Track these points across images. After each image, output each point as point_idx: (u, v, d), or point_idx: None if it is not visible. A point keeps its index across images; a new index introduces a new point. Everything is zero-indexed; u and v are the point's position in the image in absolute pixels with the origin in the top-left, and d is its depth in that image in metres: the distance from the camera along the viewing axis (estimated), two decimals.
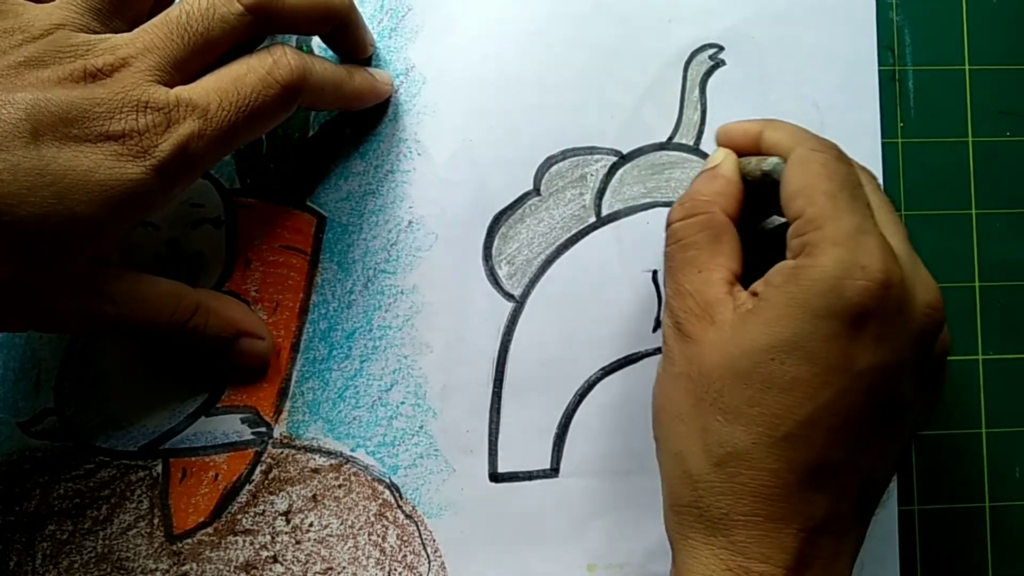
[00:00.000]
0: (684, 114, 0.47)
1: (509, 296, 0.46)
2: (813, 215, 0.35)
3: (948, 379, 0.47)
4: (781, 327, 0.34)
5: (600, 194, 0.46)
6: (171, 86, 0.36)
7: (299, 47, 0.45)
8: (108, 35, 0.37)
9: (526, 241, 0.46)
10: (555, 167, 0.46)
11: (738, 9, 0.47)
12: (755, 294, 0.36)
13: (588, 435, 0.45)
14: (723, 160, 0.41)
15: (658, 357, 0.45)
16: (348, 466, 0.44)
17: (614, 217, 0.46)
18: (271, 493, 0.44)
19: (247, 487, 0.44)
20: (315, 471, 0.44)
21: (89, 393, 0.44)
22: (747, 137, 0.41)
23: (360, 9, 0.45)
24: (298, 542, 0.44)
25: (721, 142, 0.43)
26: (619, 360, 0.46)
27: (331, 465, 0.44)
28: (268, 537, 0.44)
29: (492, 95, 0.46)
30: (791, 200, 0.36)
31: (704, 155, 0.46)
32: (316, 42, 0.45)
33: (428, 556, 0.44)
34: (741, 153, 0.41)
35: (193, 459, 0.44)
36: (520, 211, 0.46)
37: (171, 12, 0.37)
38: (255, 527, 0.44)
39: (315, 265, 0.45)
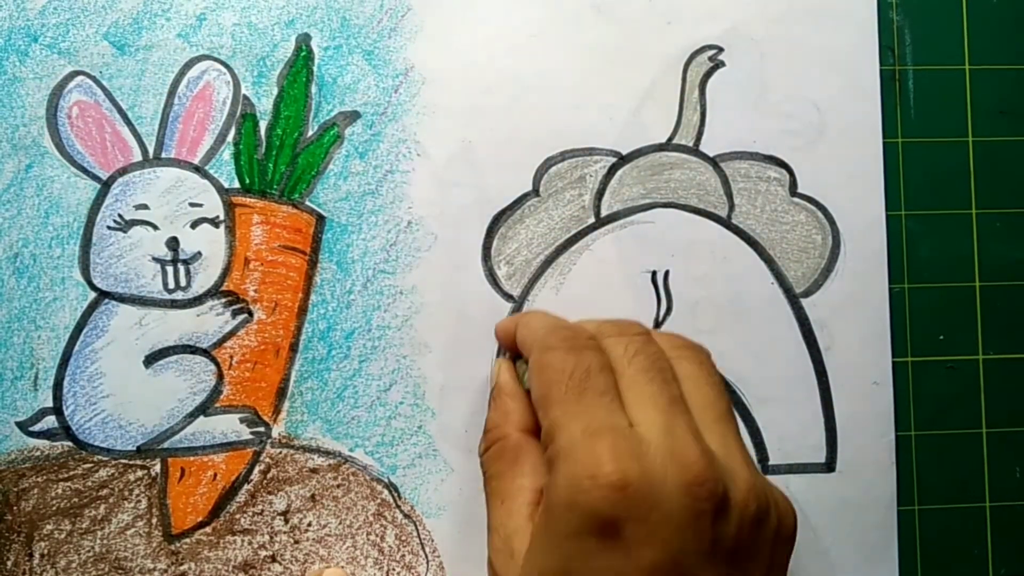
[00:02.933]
0: (683, 115, 0.47)
1: (508, 296, 0.46)
2: (547, 426, 0.34)
3: (948, 379, 0.47)
4: (546, 556, 0.32)
5: (599, 195, 0.46)
6: None
7: (298, 47, 0.45)
8: None
9: (525, 242, 0.46)
10: (554, 168, 0.46)
11: (738, 10, 0.47)
12: None
13: None
14: (499, 375, 0.41)
15: None
16: (347, 466, 0.44)
17: (613, 218, 0.46)
18: (270, 493, 0.44)
19: (246, 487, 0.44)
20: (314, 471, 0.44)
21: (87, 392, 0.44)
22: (508, 338, 0.41)
23: (360, 9, 0.45)
24: (296, 542, 0.44)
25: (499, 342, 0.43)
26: None
27: (330, 465, 0.44)
28: (267, 537, 0.44)
29: (491, 96, 0.46)
30: (536, 410, 0.36)
31: (704, 156, 0.46)
32: (316, 42, 0.45)
33: (426, 556, 0.44)
34: (518, 356, 0.41)
35: (192, 459, 0.44)
36: (519, 212, 0.46)
37: None
38: (253, 527, 0.44)
39: (314, 265, 0.45)
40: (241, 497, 0.44)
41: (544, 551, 0.32)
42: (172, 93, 0.45)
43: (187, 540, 0.43)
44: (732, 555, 0.32)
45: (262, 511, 0.44)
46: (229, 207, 0.45)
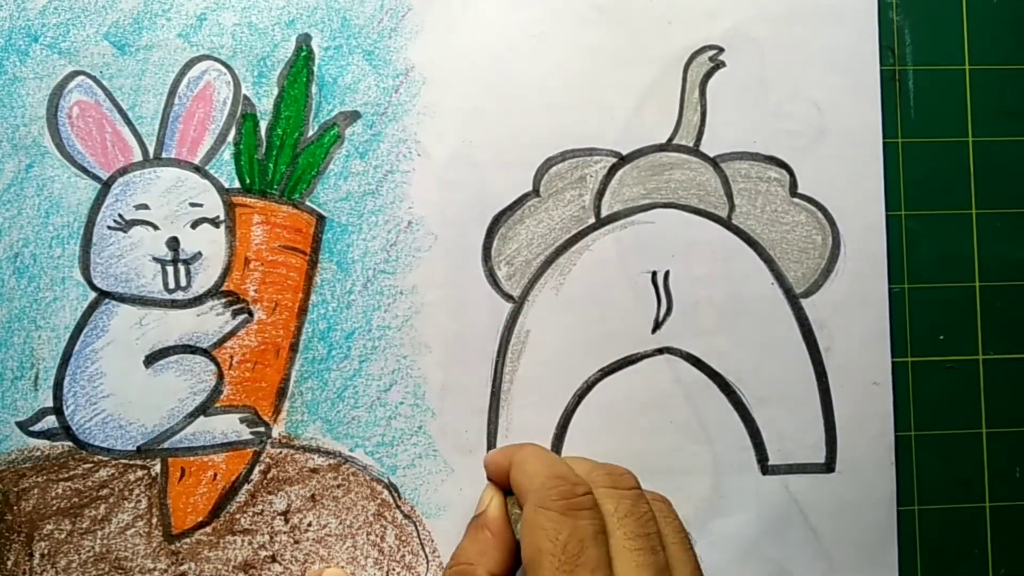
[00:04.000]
0: (684, 115, 0.47)
1: (508, 297, 0.46)
2: None
3: (948, 379, 0.47)
4: None
5: (599, 195, 0.46)
6: None
7: (299, 47, 0.45)
8: None
9: (525, 242, 0.46)
10: (554, 168, 0.46)
11: (738, 10, 0.47)
12: None
13: (587, 435, 0.45)
14: (488, 508, 0.40)
15: (658, 358, 0.46)
16: (347, 466, 0.44)
17: (613, 218, 0.46)
18: (270, 493, 0.44)
19: (246, 487, 0.44)
20: (314, 471, 0.44)
21: (87, 392, 0.44)
22: (500, 473, 0.40)
23: (360, 9, 0.45)
24: (296, 542, 0.44)
25: (488, 474, 0.42)
26: (618, 361, 0.46)
27: (330, 465, 0.44)
28: (267, 537, 0.44)
29: (492, 96, 0.46)
30: (527, 571, 0.35)
31: (704, 157, 0.46)
32: (316, 42, 0.46)
33: (426, 556, 0.44)
34: (509, 490, 0.40)
35: (192, 459, 0.44)
36: (519, 212, 0.46)
37: None
38: (254, 527, 0.44)
39: (314, 265, 0.45)
40: (241, 497, 0.44)
41: None
42: (172, 93, 0.45)
43: (187, 540, 0.43)
44: None
45: (262, 511, 0.44)
46: (229, 207, 0.45)
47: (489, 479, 0.42)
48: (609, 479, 0.38)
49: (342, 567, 0.44)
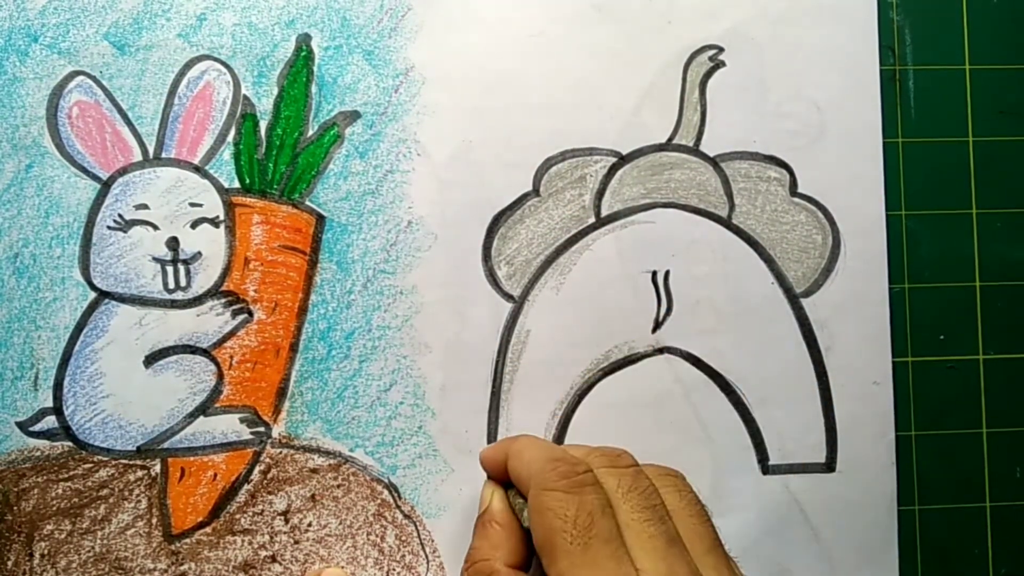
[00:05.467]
0: (684, 115, 0.47)
1: (508, 296, 0.46)
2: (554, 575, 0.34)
3: (948, 379, 0.47)
4: None
5: (600, 195, 0.46)
6: None
7: (299, 47, 0.45)
8: None
9: (525, 242, 0.46)
10: (554, 168, 0.46)
11: (738, 10, 0.47)
12: None
13: (587, 435, 0.45)
14: (491, 503, 0.40)
15: (658, 357, 0.46)
16: (347, 466, 0.44)
17: (614, 218, 0.46)
18: (270, 493, 0.44)
19: (246, 487, 0.44)
20: (314, 471, 0.44)
21: (87, 392, 0.44)
22: (498, 468, 0.40)
23: (360, 9, 0.45)
24: (297, 542, 0.44)
25: (485, 470, 0.42)
26: (619, 360, 0.46)
27: (330, 465, 0.44)
28: (267, 537, 0.44)
29: (492, 95, 0.46)
30: (540, 556, 0.35)
31: (704, 156, 0.46)
32: (316, 42, 0.46)
33: (426, 556, 0.44)
34: (508, 483, 0.40)
35: (192, 459, 0.44)
36: (519, 212, 0.46)
37: None
38: (254, 527, 0.44)
39: (314, 265, 0.45)
40: (241, 497, 0.44)
41: None
42: (172, 93, 0.45)
43: (187, 540, 0.43)
44: None
45: (262, 511, 0.44)
46: (229, 207, 0.45)
47: (488, 475, 0.42)
48: (607, 459, 0.38)
49: (342, 567, 0.44)
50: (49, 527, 0.43)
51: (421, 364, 0.45)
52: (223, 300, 0.44)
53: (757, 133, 0.47)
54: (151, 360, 0.44)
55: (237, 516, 0.44)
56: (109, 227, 0.44)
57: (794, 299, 0.46)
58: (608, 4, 0.47)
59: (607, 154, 0.46)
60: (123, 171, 0.44)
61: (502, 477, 0.40)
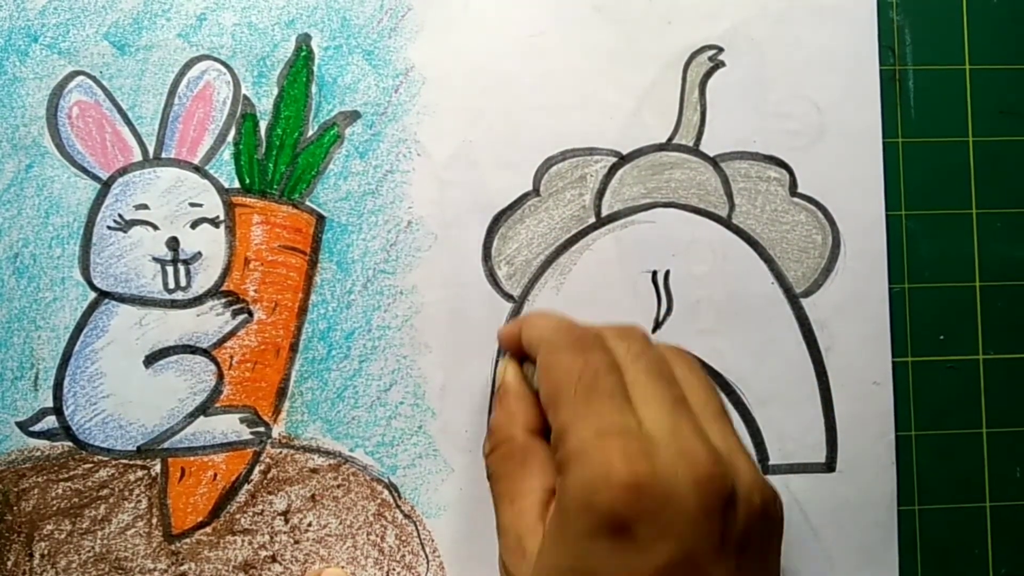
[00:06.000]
0: (684, 115, 0.47)
1: (508, 296, 0.46)
2: (557, 428, 0.34)
3: (948, 379, 0.47)
4: (560, 556, 0.32)
5: (600, 195, 0.46)
6: None
7: (299, 47, 0.45)
8: None
9: (525, 242, 0.46)
10: (555, 168, 0.46)
11: (738, 10, 0.47)
12: None
13: None
14: (504, 376, 0.40)
15: None
16: (347, 466, 0.44)
17: (614, 218, 0.46)
18: (270, 493, 0.44)
19: (246, 487, 0.44)
20: (314, 471, 0.44)
21: (87, 392, 0.44)
22: (513, 341, 0.41)
23: (360, 9, 0.45)
24: (297, 542, 0.44)
25: (502, 345, 0.42)
26: None
27: (330, 465, 0.44)
28: (267, 537, 0.44)
29: (492, 95, 0.46)
30: (546, 412, 0.36)
31: (704, 156, 0.46)
32: (316, 42, 0.45)
33: (427, 556, 0.44)
34: (523, 357, 0.41)
35: (192, 459, 0.44)
36: (520, 212, 0.46)
37: None
38: (254, 527, 0.44)
39: (314, 265, 0.45)
40: (241, 497, 0.44)
41: (558, 552, 0.33)
42: (172, 93, 0.45)
43: (187, 540, 0.43)
44: (740, 547, 0.32)
45: (262, 511, 0.44)
46: (229, 207, 0.45)
47: (499, 352, 0.42)
48: (617, 331, 0.38)
49: (342, 567, 0.44)
50: (49, 527, 0.43)
51: (421, 364, 0.45)
52: (223, 300, 0.44)
53: (757, 133, 0.47)
54: (151, 360, 0.44)
55: (237, 516, 0.44)
56: (109, 227, 0.44)
57: (794, 299, 0.46)
58: (608, 4, 0.47)
59: (607, 154, 0.46)
60: (123, 171, 0.44)
61: (516, 351, 0.41)
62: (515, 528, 0.36)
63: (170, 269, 0.44)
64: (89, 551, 0.43)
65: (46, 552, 0.43)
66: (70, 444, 0.43)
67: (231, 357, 0.44)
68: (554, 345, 0.37)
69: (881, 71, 0.47)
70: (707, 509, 0.32)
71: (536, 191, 0.46)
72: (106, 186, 0.44)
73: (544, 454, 0.37)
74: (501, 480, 0.38)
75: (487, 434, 0.40)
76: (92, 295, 0.44)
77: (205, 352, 0.44)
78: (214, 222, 0.45)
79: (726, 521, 0.32)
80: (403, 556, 0.44)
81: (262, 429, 0.44)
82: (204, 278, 0.44)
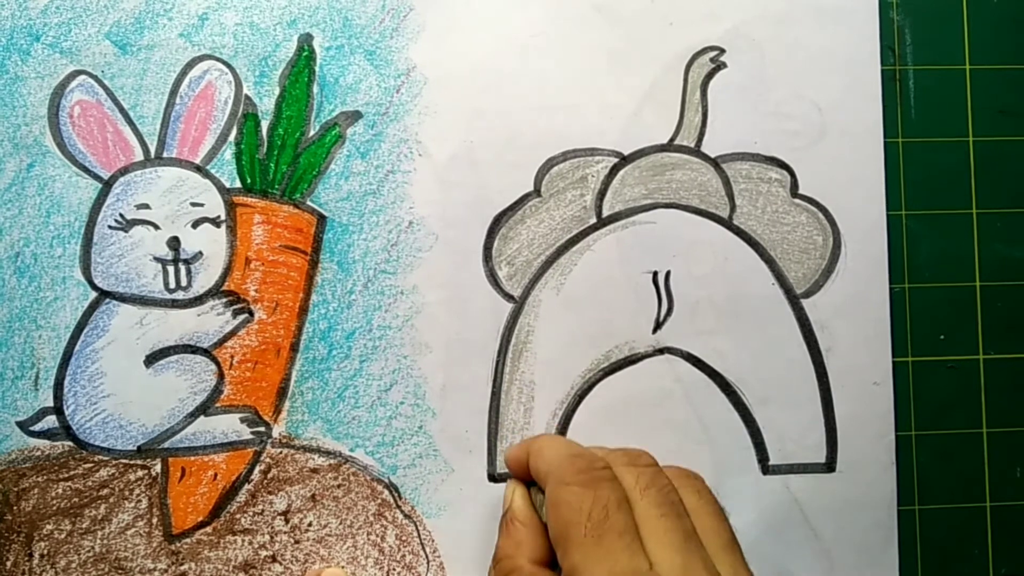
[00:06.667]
0: (685, 116, 0.47)
1: (509, 297, 0.46)
2: (567, 568, 0.34)
3: (948, 379, 0.47)
4: None
5: (601, 195, 0.46)
6: None
7: (300, 47, 0.45)
8: None
9: (526, 242, 0.46)
10: (556, 168, 0.46)
11: (739, 11, 0.47)
12: None
13: (587, 435, 0.45)
14: (513, 501, 0.40)
15: (658, 358, 0.46)
16: (347, 466, 0.44)
17: (615, 218, 0.46)
18: (270, 493, 0.44)
19: (246, 487, 0.44)
20: (314, 471, 0.44)
21: (88, 392, 0.43)
22: (520, 466, 0.41)
23: (362, 9, 0.45)
24: (297, 542, 0.44)
25: (509, 469, 0.42)
26: (619, 360, 0.46)
27: (330, 465, 0.44)
28: (267, 537, 0.44)
29: (493, 96, 0.46)
30: (554, 547, 0.36)
31: (705, 157, 0.47)
32: (318, 42, 0.46)
33: (427, 556, 0.44)
34: (531, 482, 0.41)
35: (192, 459, 0.44)
36: (520, 212, 0.46)
37: None
38: (254, 527, 0.44)
39: (315, 265, 0.45)
40: (241, 497, 0.44)
41: None
42: (174, 93, 0.45)
43: (187, 540, 0.43)
44: None
45: (262, 511, 0.44)
46: (230, 207, 0.45)
47: (511, 474, 0.42)
48: (627, 457, 0.38)
49: (342, 567, 0.44)
50: (49, 527, 0.43)
51: (421, 364, 0.45)
52: (224, 300, 0.44)
53: (758, 134, 0.47)
54: (152, 360, 0.44)
55: (237, 516, 0.44)
56: (110, 227, 0.44)
57: (794, 300, 0.46)
58: (609, 5, 0.47)
59: (608, 154, 0.46)
60: (124, 171, 0.44)
61: (525, 476, 0.41)
62: None
63: (171, 269, 0.44)
64: (89, 551, 0.43)
65: (46, 552, 0.43)
66: (70, 444, 0.43)
67: (232, 357, 0.44)
68: (563, 477, 0.37)
69: (882, 71, 0.47)
70: None
71: (537, 191, 0.46)
72: (107, 185, 0.44)
73: None
74: None
75: (493, 560, 0.39)
76: (93, 295, 0.44)
77: (206, 352, 0.44)
78: (215, 222, 0.45)
79: None
80: (403, 556, 0.44)
81: (262, 429, 0.44)
82: (205, 278, 0.44)
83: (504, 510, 0.40)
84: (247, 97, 0.45)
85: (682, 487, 0.38)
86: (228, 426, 0.44)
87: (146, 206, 0.44)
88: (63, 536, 0.43)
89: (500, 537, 0.40)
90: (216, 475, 0.44)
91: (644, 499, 0.36)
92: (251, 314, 0.45)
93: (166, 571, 0.43)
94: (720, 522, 0.37)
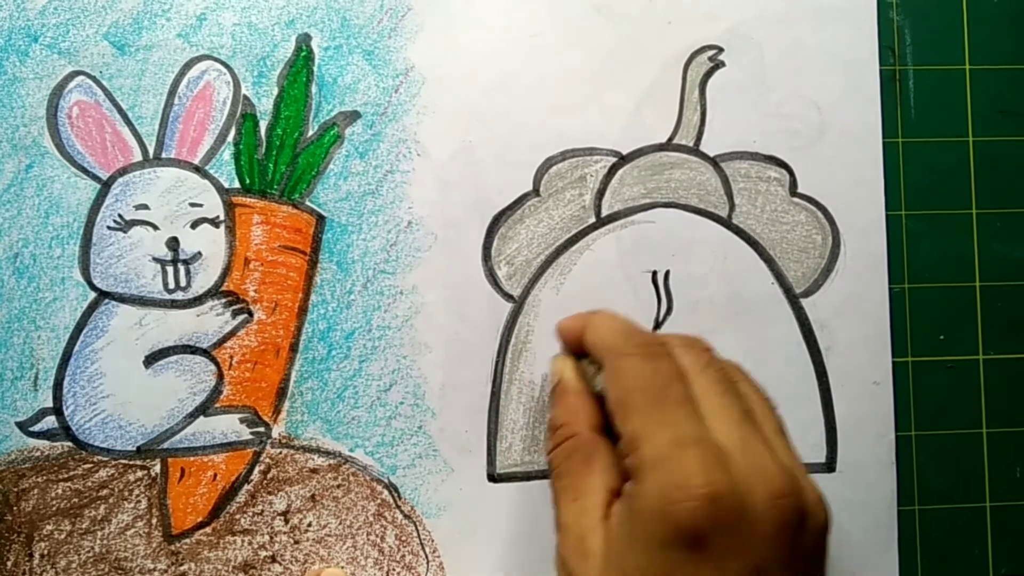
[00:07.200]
0: (684, 115, 0.47)
1: (508, 296, 0.46)
2: (629, 435, 0.34)
3: (948, 379, 0.47)
4: (630, 562, 0.32)
5: (600, 195, 0.46)
6: None
7: (299, 47, 0.45)
8: None
9: (525, 242, 0.46)
10: (555, 168, 0.46)
11: (738, 10, 0.47)
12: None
13: None
14: (563, 373, 0.40)
15: None
16: (347, 466, 0.44)
17: (614, 218, 0.46)
18: (270, 493, 0.44)
19: (246, 487, 0.44)
20: (314, 471, 0.44)
21: (87, 392, 0.43)
22: (573, 337, 0.41)
23: (360, 9, 0.45)
24: (296, 542, 0.44)
25: (562, 340, 0.42)
26: None
27: (330, 465, 0.44)
28: (267, 537, 0.44)
29: (492, 96, 0.46)
30: (613, 418, 0.35)
31: (704, 156, 0.46)
32: (316, 42, 0.45)
33: (426, 556, 0.44)
34: (580, 354, 0.40)
35: (192, 459, 0.44)
36: (520, 212, 0.46)
37: None
38: (253, 527, 0.44)
39: (314, 265, 0.45)
40: (241, 497, 0.44)
41: (628, 557, 0.32)
42: (172, 93, 0.45)
43: (187, 540, 0.43)
44: (807, 562, 0.33)
45: (262, 511, 0.44)
46: (229, 207, 0.45)
47: (562, 347, 0.42)
48: (683, 341, 0.38)
49: (342, 567, 0.44)
50: (49, 527, 0.43)
51: (421, 364, 0.45)
52: (223, 300, 0.44)
53: (757, 133, 0.47)
54: (151, 360, 0.44)
55: (237, 516, 0.44)
56: (109, 227, 0.44)
57: (794, 299, 0.46)
58: (608, 4, 0.47)
59: (607, 154, 0.46)
60: (123, 171, 0.44)
61: (576, 349, 0.40)
62: (577, 526, 0.35)
63: (170, 269, 0.44)
64: (89, 551, 0.43)
65: (46, 552, 0.43)
66: (70, 444, 0.43)
67: (231, 357, 0.44)
68: (622, 350, 0.37)
69: (881, 71, 0.47)
70: (781, 527, 0.32)
71: (536, 191, 0.46)
72: (106, 186, 0.44)
73: (608, 454, 0.37)
74: (564, 476, 0.37)
75: (548, 429, 0.39)
76: (92, 295, 0.44)
77: (205, 352, 0.44)
78: (214, 222, 0.45)
79: (797, 539, 0.32)
80: (403, 556, 0.44)
81: (262, 429, 0.44)
82: (204, 278, 0.44)
83: (553, 383, 0.40)
84: (245, 97, 0.45)
85: (737, 376, 0.38)
86: (227, 426, 0.44)
87: (145, 206, 0.44)
88: (63, 536, 0.43)
89: (553, 408, 0.40)
90: (216, 475, 0.44)
91: (703, 376, 0.36)
92: (250, 314, 0.45)
93: (166, 571, 0.43)
94: (772, 410, 0.37)
